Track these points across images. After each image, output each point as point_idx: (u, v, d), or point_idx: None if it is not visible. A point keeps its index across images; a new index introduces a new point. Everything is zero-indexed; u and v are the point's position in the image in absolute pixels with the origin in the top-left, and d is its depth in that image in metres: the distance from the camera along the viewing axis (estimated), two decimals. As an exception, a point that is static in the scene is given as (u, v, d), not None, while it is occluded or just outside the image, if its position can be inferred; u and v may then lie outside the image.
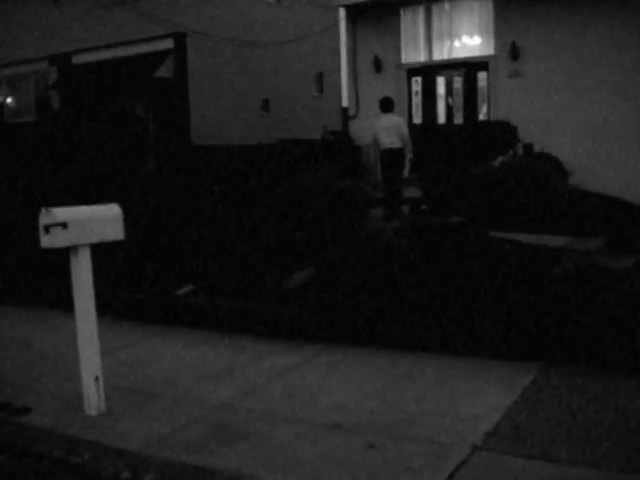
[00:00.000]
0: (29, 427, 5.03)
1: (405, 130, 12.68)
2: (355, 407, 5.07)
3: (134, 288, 8.04)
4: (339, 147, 17.35)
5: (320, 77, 27.35)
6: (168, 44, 21.52)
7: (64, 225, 4.81)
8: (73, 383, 5.53)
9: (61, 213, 4.83)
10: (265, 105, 24.06)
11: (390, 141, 12.52)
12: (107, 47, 22.19)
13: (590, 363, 5.78)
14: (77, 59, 23.09)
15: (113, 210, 5.18)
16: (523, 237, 8.00)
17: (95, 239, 5.02)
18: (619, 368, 5.64)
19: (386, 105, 12.99)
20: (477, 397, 5.16)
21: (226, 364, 6.23)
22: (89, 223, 4.97)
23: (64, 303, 8.07)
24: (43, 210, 4.85)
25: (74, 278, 5.00)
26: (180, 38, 21.25)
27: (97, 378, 5.07)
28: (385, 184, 12.65)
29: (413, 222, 7.56)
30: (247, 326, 7.18)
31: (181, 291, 7.95)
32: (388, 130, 12.54)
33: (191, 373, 6.04)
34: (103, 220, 5.09)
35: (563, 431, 4.49)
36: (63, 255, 5.19)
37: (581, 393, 5.17)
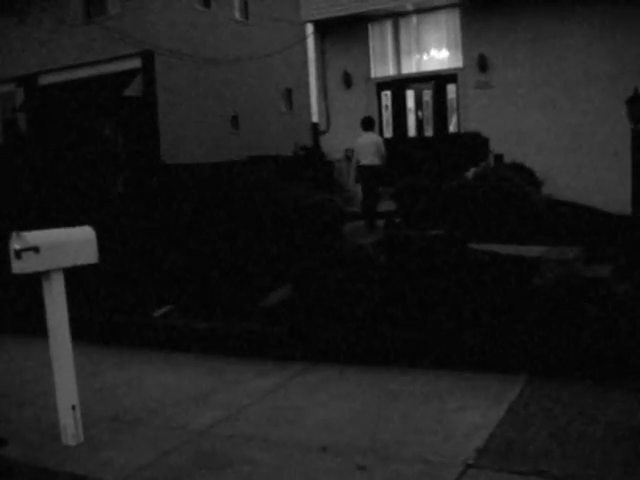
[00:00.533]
0: (5, 460, 4.84)
1: (383, 148, 13.17)
2: (341, 428, 4.95)
3: (109, 311, 7.87)
4: (311, 162, 17.30)
5: (289, 93, 27.33)
6: (136, 63, 21.39)
7: (36, 249, 4.65)
8: (50, 411, 5.34)
9: (33, 237, 4.67)
10: (235, 122, 23.98)
11: (370, 159, 12.91)
12: (74, 67, 22.00)
13: (575, 374, 5.73)
14: (44, 80, 22.87)
15: (86, 233, 5.03)
16: (501, 248, 7.96)
17: (68, 263, 4.86)
18: (605, 379, 5.60)
19: (367, 124, 13.49)
20: (465, 412, 5.06)
21: (207, 387, 6.07)
22: (62, 247, 4.82)
23: (39, 328, 7.95)
24: (14, 234, 4.69)
25: (47, 304, 4.84)
26: (148, 56, 21.12)
27: (74, 407, 4.89)
28: (364, 199, 12.98)
29: (391, 236, 7.47)
30: (226, 347, 7.04)
31: (158, 312, 7.79)
32: (368, 148, 12.96)
33: (171, 398, 5.88)
34: (76, 243, 4.94)
35: (554, 446, 4.41)
36: (36, 279, 5.04)
37: (568, 406, 5.09)
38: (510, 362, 5.92)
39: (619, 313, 6.13)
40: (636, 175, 12.13)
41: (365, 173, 12.96)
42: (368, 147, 12.92)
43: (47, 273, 4.77)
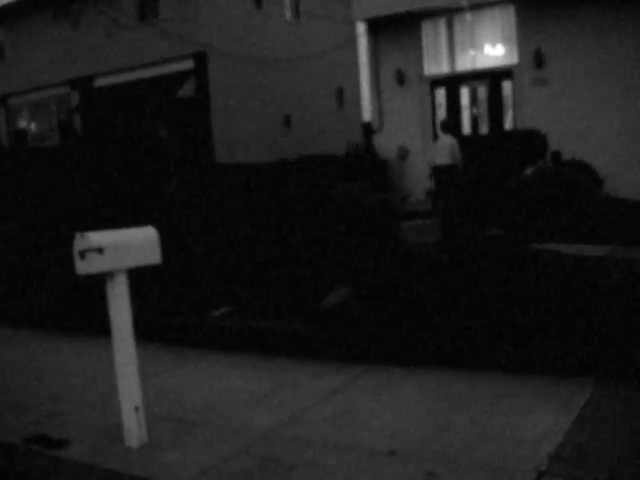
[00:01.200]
0: (68, 461, 4.84)
1: (457, 149, 14.31)
2: (407, 431, 4.84)
3: (170, 311, 7.88)
4: (364, 161, 17.20)
5: (340, 92, 27.26)
6: (189, 64, 21.54)
7: (100, 250, 4.64)
8: (110, 413, 5.36)
9: (97, 238, 4.67)
10: (287, 121, 24.00)
11: (444, 159, 14.08)
12: (128, 69, 22.23)
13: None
14: (98, 82, 23.19)
15: (149, 233, 5.02)
16: (564, 248, 7.78)
17: (132, 264, 4.85)
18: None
19: (445, 127, 14.80)
20: (534, 417, 4.91)
21: (267, 388, 6.02)
22: (125, 247, 4.81)
23: (93, 328, 7.98)
24: (78, 235, 4.69)
25: (111, 304, 4.83)
26: (200, 58, 21.24)
27: (137, 408, 4.88)
28: (435, 198, 14.11)
29: (453, 235, 7.34)
30: (285, 348, 6.98)
31: (216, 313, 7.78)
32: (443, 149, 14.19)
33: (232, 399, 5.84)
34: (139, 244, 4.92)
35: (629, 453, 4.25)
36: (92, 279, 5.04)
37: (643, 410, 4.93)
38: (579, 366, 5.75)
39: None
40: None
41: (438, 173, 14.12)
42: (444, 149, 14.10)
43: (111, 274, 4.76)
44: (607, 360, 5.73)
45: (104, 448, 4.99)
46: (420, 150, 17.51)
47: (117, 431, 5.05)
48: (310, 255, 8.22)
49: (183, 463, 4.65)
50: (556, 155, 14.47)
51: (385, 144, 17.85)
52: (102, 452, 4.93)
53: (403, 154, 17.87)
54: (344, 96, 27.67)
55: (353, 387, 5.94)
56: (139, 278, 6.82)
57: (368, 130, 19.62)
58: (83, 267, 4.70)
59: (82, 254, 4.67)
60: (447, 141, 14.31)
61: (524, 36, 16.21)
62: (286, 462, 4.53)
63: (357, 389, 5.88)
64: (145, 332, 7.43)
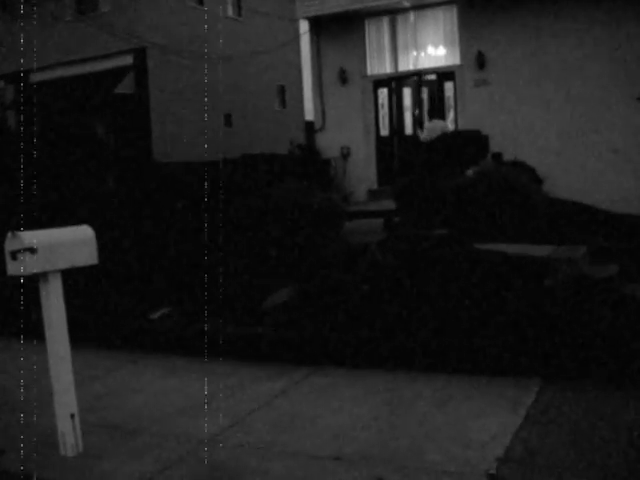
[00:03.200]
0: (2, 472, 4.61)
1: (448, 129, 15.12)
2: (354, 435, 4.73)
3: (106, 313, 7.62)
4: (306, 161, 17.08)
5: (283, 91, 27.10)
6: (128, 60, 21.12)
7: (33, 250, 4.41)
8: (47, 419, 5.11)
9: (29, 237, 4.43)
10: (228, 120, 23.74)
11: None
12: (66, 64, 21.71)
13: (592, 377, 5.54)
14: (35, 77, 22.56)
15: (85, 233, 4.80)
16: (508, 248, 7.76)
17: (66, 264, 4.62)
18: (623, 382, 5.41)
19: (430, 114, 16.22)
20: (481, 418, 4.86)
21: (209, 393, 5.83)
22: (60, 247, 4.58)
23: (31, 331, 7.68)
24: (9, 234, 4.45)
25: (44, 307, 4.60)
26: (140, 54, 20.86)
27: (73, 415, 4.66)
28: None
29: (395, 235, 7.27)
30: (226, 350, 6.81)
31: (155, 315, 7.56)
32: (436, 130, 14.66)
33: (172, 404, 5.65)
34: (75, 244, 4.70)
35: (578, 454, 4.21)
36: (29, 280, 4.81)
37: (588, 411, 4.90)
38: (524, 366, 5.72)
39: (635, 315, 5.95)
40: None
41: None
42: (436, 130, 14.63)
43: (44, 275, 4.53)
44: (552, 360, 5.72)
45: (39, 457, 4.76)
46: (362, 150, 17.47)
47: (53, 439, 4.82)
48: (252, 257, 8.07)
49: (120, 472, 4.44)
50: (497, 156, 14.55)
51: (328, 143, 17.74)
52: (37, 461, 4.69)
53: (346, 153, 17.81)
54: (287, 95, 27.52)
55: (297, 390, 5.81)
56: (76, 279, 6.57)
57: (311, 129, 19.51)
58: (15, 268, 4.46)
59: (14, 255, 4.43)
60: (439, 124, 14.59)
61: (466, 38, 16.27)
62: (229, 470, 4.37)
63: (302, 392, 5.75)
64: (83, 335, 7.19)
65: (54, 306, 4.60)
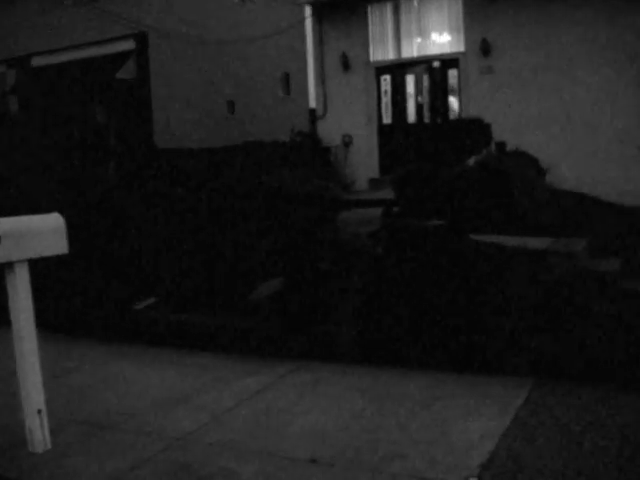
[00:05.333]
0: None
1: None
2: (333, 436, 4.52)
3: (88, 302, 7.42)
4: (307, 148, 16.84)
5: (287, 77, 26.82)
6: (130, 45, 20.86)
7: (-3, 238, 4.21)
8: (15, 414, 4.92)
9: (-6, 225, 4.23)
10: (231, 107, 23.47)
11: None
12: (67, 49, 21.45)
13: (587, 378, 5.32)
14: (36, 62, 22.32)
15: (55, 221, 4.58)
16: (506, 240, 7.54)
17: (33, 254, 4.41)
18: (620, 383, 5.19)
19: None
20: (467, 420, 4.64)
21: (190, 386, 5.65)
22: (27, 236, 4.37)
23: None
24: (-27, 222, 4.25)
25: (10, 298, 4.39)
26: (141, 38, 20.59)
27: (40, 411, 4.47)
28: None
29: (389, 226, 7.04)
30: (212, 342, 6.61)
31: (140, 305, 7.36)
32: None
33: (151, 398, 5.45)
34: (43, 232, 4.48)
35: (565, 461, 3.99)
36: None
37: (580, 413, 4.68)
38: (516, 365, 5.51)
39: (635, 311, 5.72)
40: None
41: None
42: None
43: (10, 265, 4.33)
44: (546, 360, 5.51)
45: (5, 453, 4.58)
46: (364, 137, 17.22)
47: (21, 435, 4.64)
48: (242, 247, 7.86)
49: (88, 470, 4.25)
50: (500, 145, 14.29)
51: (329, 131, 17.48)
52: (3, 458, 4.52)
53: (347, 141, 17.56)
54: (291, 82, 27.22)
55: (280, 386, 5.60)
56: (58, 265, 6.38)
57: (314, 117, 19.26)
58: (-21, 257, 4.26)
59: (-22, 242, 4.23)
60: None
61: (471, 24, 15.97)
62: (200, 470, 4.17)
63: (284, 388, 5.54)
64: (61, 325, 6.99)
65: (21, 298, 4.39)
